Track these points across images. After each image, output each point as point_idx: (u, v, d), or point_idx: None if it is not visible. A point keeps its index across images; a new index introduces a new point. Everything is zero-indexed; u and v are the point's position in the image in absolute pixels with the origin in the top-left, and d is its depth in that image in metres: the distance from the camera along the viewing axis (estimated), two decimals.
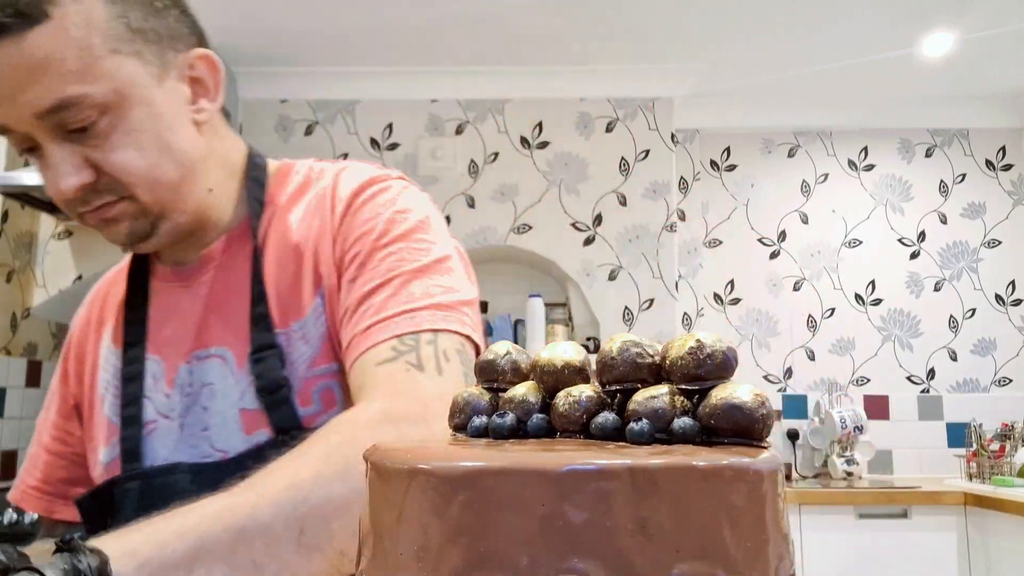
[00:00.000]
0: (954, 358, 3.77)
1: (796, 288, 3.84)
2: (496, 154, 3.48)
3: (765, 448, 0.31)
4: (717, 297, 3.84)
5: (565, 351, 0.38)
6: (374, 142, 3.50)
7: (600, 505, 0.27)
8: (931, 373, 3.76)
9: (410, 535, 0.29)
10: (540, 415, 0.36)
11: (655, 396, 0.33)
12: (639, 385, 0.35)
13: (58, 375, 0.99)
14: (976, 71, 3.47)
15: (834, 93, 3.71)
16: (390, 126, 3.51)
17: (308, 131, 3.50)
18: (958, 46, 3.23)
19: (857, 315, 3.81)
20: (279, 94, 3.51)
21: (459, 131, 3.50)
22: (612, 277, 3.40)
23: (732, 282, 3.85)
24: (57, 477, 0.96)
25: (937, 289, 3.82)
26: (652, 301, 3.39)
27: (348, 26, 3.08)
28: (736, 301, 3.84)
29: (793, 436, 3.62)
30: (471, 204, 3.45)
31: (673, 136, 3.50)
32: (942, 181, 3.89)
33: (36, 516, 0.58)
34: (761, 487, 0.29)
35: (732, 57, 3.34)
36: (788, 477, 3.50)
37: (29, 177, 2.91)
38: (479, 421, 0.38)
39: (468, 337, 0.79)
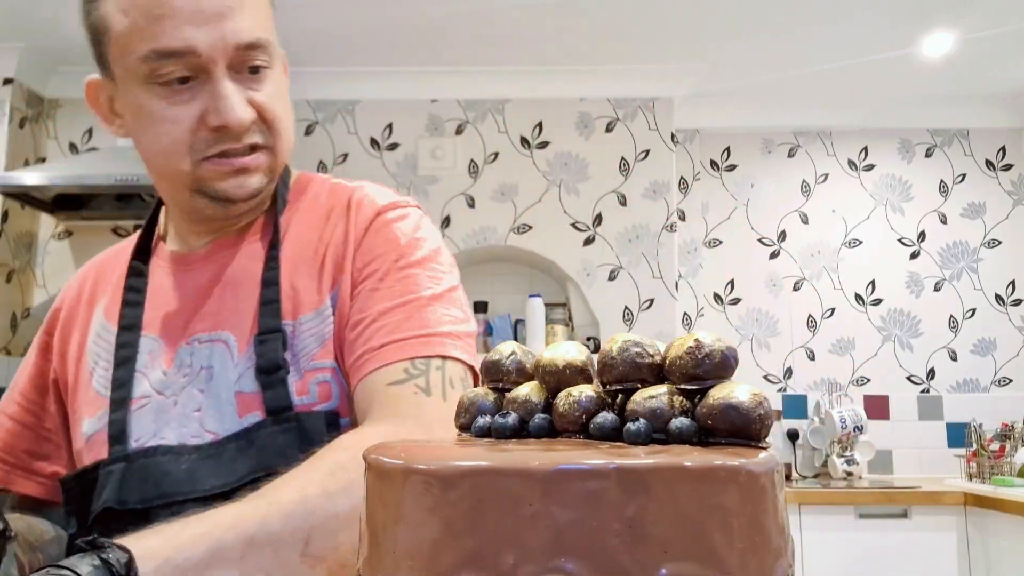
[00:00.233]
0: (954, 358, 3.77)
1: (796, 288, 3.84)
2: (496, 154, 3.48)
3: (763, 448, 0.31)
4: (717, 297, 3.84)
5: (567, 351, 0.38)
6: (374, 142, 3.50)
7: (587, 505, 0.27)
8: (931, 373, 3.76)
9: (403, 533, 0.29)
10: (543, 415, 0.37)
11: (653, 396, 0.33)
12: (639, 385, 0.35)
13: (37, 347, 0.98)
14: (976, 71, 3.47)
15: (834, 93, 3.71)
16: (390, 126, 3.51)
17: (308, 131, 3.50)
18: (958, 46, 3.23)
19: (857, 315, 3.81)
20: None
21: (459, 131, 3.50)
22: (612, 277, 3.40)
23: (732, 282, 3.85)
24: (20, 448, 0.95)
25: (937, 289, 3.82)
26: (652, 301, 3.39)
27: (348, 26, 3.08)
28: (736, 301, 3.84)
29: (793, 436, 3.62)
30: (471, 204, 3.45)
31: (673, 136, 3.50)
32: (942, 181, 3.88)
33: None
34: (755, 488, 0.29)
35: (732, 57, 3.34)
36: (788, 477, 3.50)
37: (29, 177, 2.91)
38: (483, 421, 0.38)
39: (471, 368, 0.83)
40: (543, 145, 3.49)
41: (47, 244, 3.35)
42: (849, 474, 3.39)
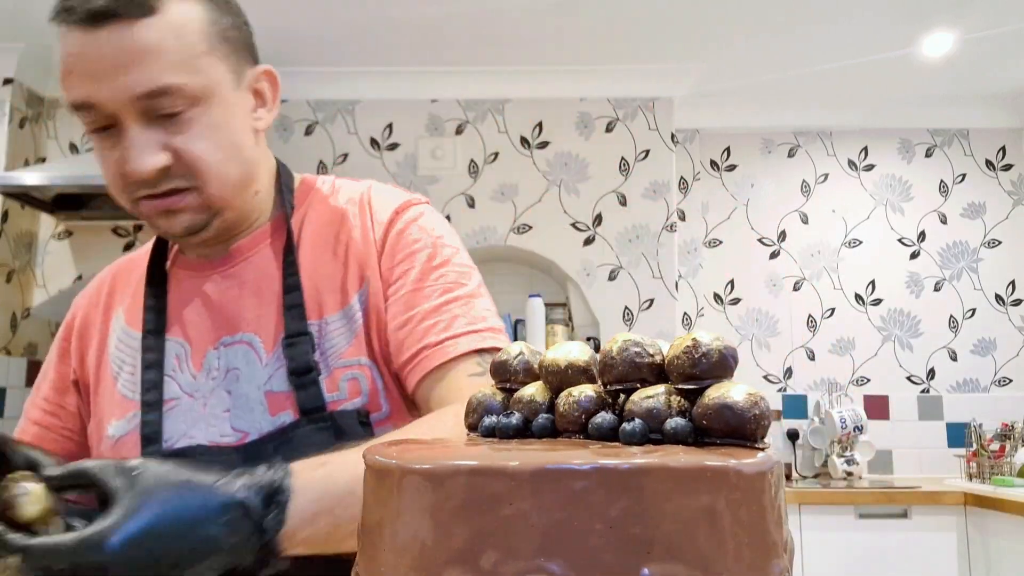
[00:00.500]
0: (954, 358, 3.76)
1: (796, 288, 3.83)
2: (496, 154, 3.48)
3: (760, 449, 0.31)
4: (717, 297, 3.84)
5: (570, 351, 0.38)
6: (374, 142, 3.50)
7: (571, 505, 0.27)
8: (931, 373, 3.76)
9: (394, 532, 0.29)
10: (546, 415, 0.37)
11: (650, 396, 0.33)
12: (640, 385, 0.35)
13: (55, 353, 1.01)
14: (976, 71, 3.47)
15: (834, 93, 3.71)
16: (390, 126, 3.51)
17: (308, 131, 3.50)
18: (958, 46, 3.23)
19: (857, 315, 3.81)
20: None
21: (459, 131, 3.50)
22: (612, 277, 3.40)
23: (732, 282, 3.84)
24: (45, 450, 0.96)
25: (937, 289, 3.82)
26: (652, 301, 3.38)
27: (348, 26, 3.08)
28: (736, 301, 3.84)
29: (793, 436, 3.62)
30: (471, 204, 3.45)
31: (673, 136, 3.50)
32: (942, 181, 3.88)
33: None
34: (747, 489, 0.29)
35: (732, 57, 3.34)
36: (788, 477, 3.50)
37: (29, 177, 2.91)
38: (489, 421, 0.38)
39: None
40: (543, 145, 3.49)
41: (47, 244, 3.35)
42: (849, 474, 3.39)
